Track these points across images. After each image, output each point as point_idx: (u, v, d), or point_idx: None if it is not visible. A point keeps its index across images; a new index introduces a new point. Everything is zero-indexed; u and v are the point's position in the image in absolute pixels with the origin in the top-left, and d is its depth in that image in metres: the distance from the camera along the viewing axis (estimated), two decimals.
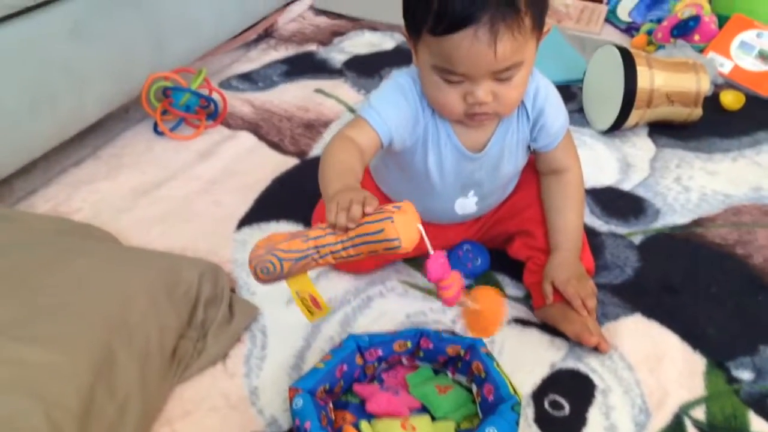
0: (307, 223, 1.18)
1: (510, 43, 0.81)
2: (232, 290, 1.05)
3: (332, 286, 1.08)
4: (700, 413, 0.91)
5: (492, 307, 0.88)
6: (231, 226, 1.20)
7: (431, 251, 0.77)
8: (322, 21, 1.93)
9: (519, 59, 0.84)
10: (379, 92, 0.93)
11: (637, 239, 1.19)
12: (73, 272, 0.88)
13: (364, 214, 0.73)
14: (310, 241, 0.76)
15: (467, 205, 1.04)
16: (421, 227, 0.75)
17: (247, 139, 1.43)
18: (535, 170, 1.07)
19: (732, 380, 0.95)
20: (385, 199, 1.08)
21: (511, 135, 0.98)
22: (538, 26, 0.85)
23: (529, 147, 1.02)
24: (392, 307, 1.05)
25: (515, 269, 1.09)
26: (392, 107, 0.91)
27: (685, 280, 1.11)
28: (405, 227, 0.73)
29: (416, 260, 1.13)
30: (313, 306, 0.81)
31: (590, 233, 1.17)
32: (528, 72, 0.88)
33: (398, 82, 0.93)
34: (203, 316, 0.96)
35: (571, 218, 1.03)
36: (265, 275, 0.79)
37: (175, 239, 1.15)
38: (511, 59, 0.83)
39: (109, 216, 1.20)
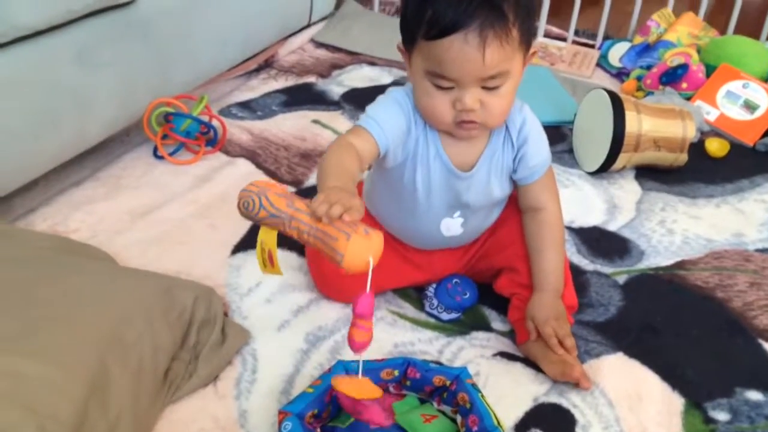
0: (301, 251, 1.20)
1: (498, 50, 0.86)
2: (225, 314, 1.07)
3: (323, 313, 1.10)
4: None
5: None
6: (226, 251, 1.22)
7: (368, 289, 0.78)
8: (322, 54, 1.97)
9: (506, 68, 0.89)
10: (377, 104, 0.98)
11: (621, 279, 1.22)
12: (71, 288, 0.90)
13: (340, 219, 0.76)
14: (291, 209, 0.81)
15: (452, 226, 1.07)
16: (371, 261, 0.76)
17: (244, 166, 1.46)
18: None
19: (709, 420, 0.98)
20: (372, 224, 1.11)
21: (497, 159, 1.02)
22: (525, 42, 0.91)
23: (511, 178, 1.05)
24: (381, 336, 1.07)
25: (502, 303, 1.12)
26: (389, 117, 0.95)
27: (666, 320, 1.14)
28: (356, 250, 0.75)
29: (407, 291, 1.16)
30: (268, 261, 0.85)
31: (576, 271, 1.20)
32: (514, 86, 0.93)
33: (394, 96, 0.99)
34: (196, 339, 0.98)
35: (550, 258, 1.04)
36: (244, 209, 0.84)
37: (170, 262, 1.18)
38: (498, 67, 0.88)
39: (106, 237, 1.22)
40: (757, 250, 1.31)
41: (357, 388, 0.81)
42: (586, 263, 1.25)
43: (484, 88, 0.90)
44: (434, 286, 1.13)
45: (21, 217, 1.25)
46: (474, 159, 1.01)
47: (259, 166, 1.46)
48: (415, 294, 1.16)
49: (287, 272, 1.17)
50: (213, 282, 1.13)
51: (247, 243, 1.24)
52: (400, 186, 1.02)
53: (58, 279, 0.91)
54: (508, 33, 0.87)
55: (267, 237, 0.84)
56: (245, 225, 1.28)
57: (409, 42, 0.93)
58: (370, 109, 0.97)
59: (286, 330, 1.07)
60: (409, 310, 1.13)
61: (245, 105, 1.68)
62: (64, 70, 1.22)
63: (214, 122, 1.51)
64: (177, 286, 0.98)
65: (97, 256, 1.09)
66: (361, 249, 0.75)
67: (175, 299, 0.95)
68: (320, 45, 2.01)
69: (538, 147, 1.03)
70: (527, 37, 0.91)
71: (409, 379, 0.94)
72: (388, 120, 0.95)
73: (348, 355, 1.02)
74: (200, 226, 1.27)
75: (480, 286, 1.14)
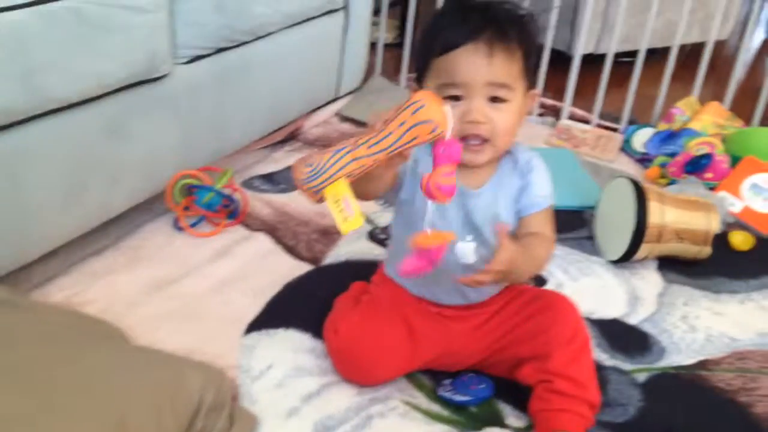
0: (316, 332, 1.19)
1: (504, 62, 0.96)
2: (234, 398, 1.05)
3: (333, 401, 1.08)
4: None
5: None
6: (239, 329, 1.21)
7: (448, 135, 0.85)
8: (347, 128, 1.99)
9: (511, 83, 0.97)
10: None
11: (641, 377, 1.19)
12: (80, 372, 0.89)
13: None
14: (351, 139, 0.87)
15: (467, 251, 1.06)
16: (448, 108, 0.84)
17: (263, 241, 1.46)
18: (559, 297, 1.12)
19: None
20: (392, 287, 1.15)
21: (504, 184, 1.05)
22: (527, 75, 1.00)
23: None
24: (392, 428, 1.05)
25: (518, 399, 1.09)
26: None
27: (687, 424, 1.10)
28: (431, 105, 0.83)
29: (420, 379, 1.14)
30: (347, 211, 0.86)
31: (595, 367, 1.17)
32: (518, 111, 1.00)
33: None
34: (202, 424, 0.96)
35: (535, 245, 1.03)
36: (307, 167, 0.86)
37: (182, 339, 1.17)
38: (504, 77, 0.97)
39: (121, 309, 1.22)
40: None
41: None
42: (605, 358, 1.23)
43: (491, 101, 0.97)
44: (450, 379, 1.12)
45: (38, 286, 1.25)
46: (481, 183, 1.05)
47: (278, 241, 1.47)
48: (428, 382, 1.14)
49: (299, 355, 1.16)
50: (225, 362, 1.12)
51: (261, 322, 1.23)
52: (415, 215, 1.02)
53: (67, 361, 0.90)
54: (513, 53, 0.97)
55: (336, 189, 0.86)
56: (261, 303, 1.27)
57: (422, 71, 1.02)
58: None
59: (295, 418, 1.05)
60: (422, 400, 1.11)
61: (268, 177, 1.69)
62: (93, 142, 1.24)
63: (236, 195, 1.52)
64: (187, 370, 0.97)
65: (109, 333, 1.09)
66: (436, 103, 0.84)
67: (184, 384, 0.93)
68: (346, 119, 2.03)
69: (542, 183, 1.06)
70: (529, 70, 1.00)
71: None
72: None
73: None
74: (215, 303, 1.27)
75: (496, 380, 1.12)
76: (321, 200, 0.88)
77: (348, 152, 0.85)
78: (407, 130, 0.84)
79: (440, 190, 0.86)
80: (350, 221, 0.86)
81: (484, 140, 0.99)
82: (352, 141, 0.86)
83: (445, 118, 0.84)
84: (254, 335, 1.20)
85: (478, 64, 0.96)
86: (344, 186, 0.86)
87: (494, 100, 0.98)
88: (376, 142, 0.85)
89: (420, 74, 1.04)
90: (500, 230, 0.96)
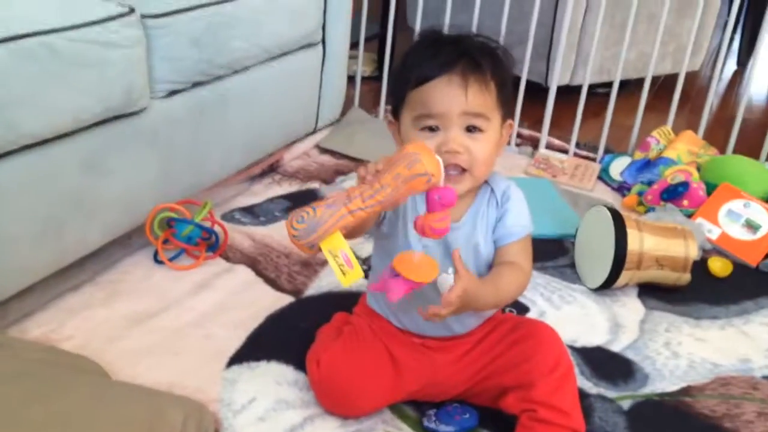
0: (298, 365, 1.18)
1: (479, 93, 0.97)
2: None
3: None
4: None
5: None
6: (221, 363, 1.19)
7: (441, 183, 0.88)
8: (327, 159, 2.00)
9: (486, 113, 0.99)
10: None
11: (626, 404, 1.19)
12: (58, 409, 0.88)
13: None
14: (342, 192, 0.87)
15: (448, 282, 1.04)
16: (440, 159, 0.87)
17: (244, 273, 1.45)
18: (541, 325, 1.12)
19: None
20: (376, 319, 1.14)
21: (482, 215, 1.06)
22: (501, 106, 1.01)
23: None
24: None
25: (502, 427, 1.09)
26: None
27: None
28: (427, 158, 0.86)
29: (405, 411, 1.13)
30: (345, 265, 0.86)
31: (579, 394, 1.16)
32: (495, 141, 1.01)
33: None
34: None
35: (506, 277, 1.04)
36: (300, 224, 0.86)
37: (163, 373, 1.15)
38: (480, 107, 0.98)
39: (99, 345, 1.19)
40: (765, 377, 1.27)
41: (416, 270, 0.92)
42: (589, 386, 1.22)
43: (467, 130, 0.98)
44: (435, 409, 1.11)
45: (15, 323, 1.23)
46: (460, 214, 1.06)
47: (259, 273, 1.45)
48: (413, 413, 1.13)
49: (282, 388, 1.15)
50: (206, 396, 1.11)
51: (243, 355, 1.21)
52: (396, 247, 1.04)
53: (45, 398, 0.89)
54: (487, 84, 0.98)
55: (333, 243, 0.86)
56: (242, 336, 1.26)
57: (398, 103, 1.03)
58: None
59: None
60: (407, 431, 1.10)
61: (248, 210, 1.69)
62: (69, 177, 1.23)
63: (216, 228, 1.51)
64: (167, 404, 0.95)
65: (88, 369, 1.07)
66: (430, 155, 0.86)
67: (164, 419, 0.92)
68: (325, 151, 2.03)
69: (518, 213, 1.07)
70: (503, 101, 1.02)
71: None
72: None
73: None
74: (196, 336, 1.25)
75: (481, 410, 1.11)
76: (316, 252, 0.88)
77: (343, 205, 0.86)
78: (404, 182, 0.86)
79: (434, 232, 0.89)
80: (350, 274, 0.88)
81: (463, 170, 1.00)
82: (344, 195, 0.87)
83: (440, 168, 0.87)
84: (236, 368, 1.19)
85: (453, 95, 0.97)
86: (340, 239, 0.87)
87: (470, 129, 0.99)
88: (371, 195, 0.86)
89: (396, 107, 1.05)
90: (455, 257, 0.97)
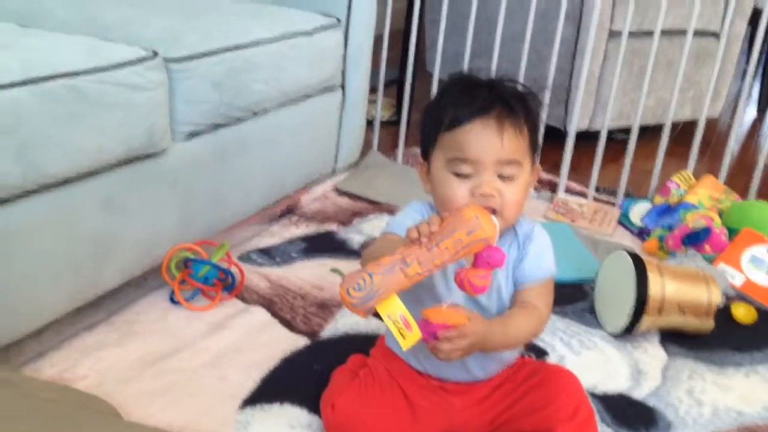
0: (312, 407, 1.16)
1: (514, 138, 0.98)
2: None
3: None
4: None
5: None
6: (235, 404, 1.18)
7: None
8: (345, 202, 2.00)
9: (520, 159, 0.99)
10: (398, 213, 1.11)
11: None
12: None
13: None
14: (397, 255, 0.88)
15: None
16: (495, 220, 0.91)
17: (260, 314, 1.44)
18: (561, 370, 1.11)
19: None
20: (395, 361, 1.12)
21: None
22: (532, 150, 1.02)
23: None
24: None
25: None
26: (410, 221, 0.99)
27: None
28: (485, 221, 0.89)
29: None
30: (405, 328, 0.86)
31: None
32: (526, 185, 1.02)
33: (412, 205, 1.10)
34: None
35: (519, 320, 1.03)
36: (357, 291, 0.86)
37: (176, 415, 1.14)
38: (514, 153, 0.98)
39: (113, 386, 1.18)
40: None
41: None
42: None
43: (500, 177, 0.98)
44: None
45: (30, 362, 1.22)
46: None
47: (274, 314, 1.44)
48: None
49: (296, 431, 1.13)
50: None
51: (257, 397, 1.20)
52: (421, 290, 1.00)
53: None
54: (521, 128, 0.99)
55: (391, 307, 0.87)
56: (257, 378, 1.24)
57: (429, 144, 1.03)
58: (393, 218, 1.09)
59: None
60: None
61: (265, 251, 1.68)
62: (89, 217, 1.23)
63: (233, 268, 1.51)
64: None
65: (101, 409, 1.06)
66: (488, 219, 0.89)
67: None
68: (343, 193, 2.04)
69: (541, 253, 1.06)
70: (534, 146, 1.03)
71: None
72: (410, 222, 0.97)
73: None
74: (210, 378, 1.24)
75: None
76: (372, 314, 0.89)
77: (399, 271, 0.87)
78: (464, 248, 0.88)
79: (474, 289, 0.90)
80: (410, 337, 0.88)
81: (494, 211, 0.98)
82: (399, 258, 0.88)
83: (496, 231, 0.89)
84: (249, 410, 1.17)
85: (488, 140, 0.97)
86: (398, 303, 0.88)
87: (503, 176, 0.99)
88: (431, 259, 0.87)
89: (425, 148, 1.05)
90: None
